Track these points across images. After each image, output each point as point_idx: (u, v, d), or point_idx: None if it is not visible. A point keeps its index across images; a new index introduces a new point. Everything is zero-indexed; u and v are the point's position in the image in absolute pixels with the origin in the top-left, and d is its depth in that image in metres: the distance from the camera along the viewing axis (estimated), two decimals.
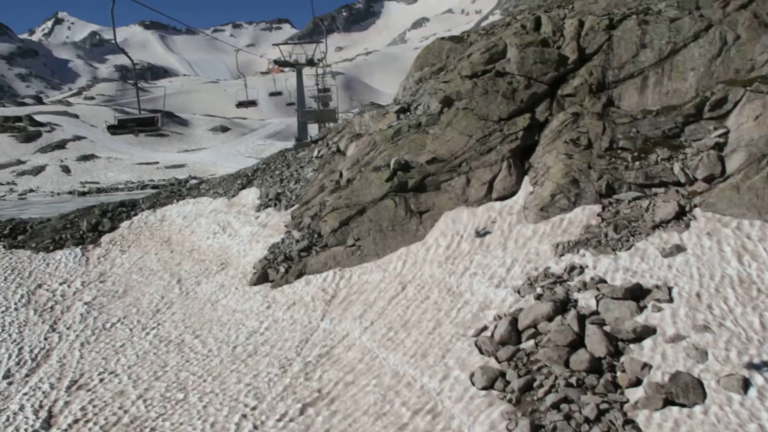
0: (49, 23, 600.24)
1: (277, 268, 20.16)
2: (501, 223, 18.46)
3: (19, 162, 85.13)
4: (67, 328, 19.55)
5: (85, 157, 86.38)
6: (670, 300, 13.08)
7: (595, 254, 15.69)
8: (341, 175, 23.44)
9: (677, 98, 19.27)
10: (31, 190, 68.84)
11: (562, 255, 16.27)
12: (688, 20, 19.78)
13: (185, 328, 18.47)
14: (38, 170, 79.69)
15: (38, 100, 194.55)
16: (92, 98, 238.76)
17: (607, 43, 20.77)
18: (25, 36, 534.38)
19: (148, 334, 18.53)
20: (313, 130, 52.27)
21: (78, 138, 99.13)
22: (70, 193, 65.15)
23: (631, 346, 12.18)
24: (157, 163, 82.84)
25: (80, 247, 26.18)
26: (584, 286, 14.54)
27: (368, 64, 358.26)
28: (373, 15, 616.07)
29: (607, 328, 12.71)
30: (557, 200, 18.03)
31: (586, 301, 13.93)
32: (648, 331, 12.26)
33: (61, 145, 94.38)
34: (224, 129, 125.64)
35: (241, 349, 16.52)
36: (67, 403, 14.92)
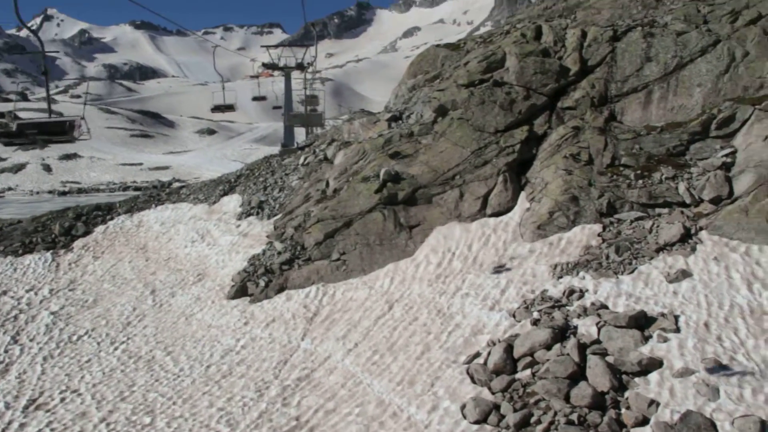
0: (38, 19, 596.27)
1: (256, 282, 19.04)
2: (495, 241, 17.46)
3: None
4: (30, 340, 18.33)
5: (68, 156, 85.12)
6: (677, 330, 12.13)
7: (595, 277, 14.74)
8: (328, 184, 22.37)
9: (683, 115, 18.40)
10: (10, 189, 67.58)
11: (560, 277, 15.31)
12: (696, 34, 18.93)
13: (156, 344, 17.31)
14: (18, 168, 78.43)
15: (23, 97, 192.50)
16: (78, 96, 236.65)
17: (610, 55, 19.90)
18: (12, 31, 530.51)
19: (116, 348, 17.35)
20: (300, 135, 51.00)
21: None
22: (50, 192, 64.05)
23: (636, 380, 11.19)
24: (141, 164, 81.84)
25: (51, 251, 24.93)
26: (584, 312, 13.56)
27: (358, 71, 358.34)
28: (364, 23, 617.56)
29: (609, 359, 11.73)
30: (555, 218, 17.08)
31: (586, 328, 12.94)
32: (654, 364, 11.28)
33: None
34: (211, 132, 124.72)
35: (215, 368, 15.38)
36: (22, 426, 13.71)
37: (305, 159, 26.74)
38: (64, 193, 62.89)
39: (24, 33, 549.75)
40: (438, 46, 26.21)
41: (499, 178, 18.86)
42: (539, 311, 14.17)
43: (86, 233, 26.28)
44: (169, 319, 18.66)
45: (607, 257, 15.31)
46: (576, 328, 13.09)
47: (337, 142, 25.31)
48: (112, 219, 27.58)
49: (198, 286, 20.45)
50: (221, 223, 24.48)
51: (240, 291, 18.97)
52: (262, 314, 17.63)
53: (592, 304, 13.78)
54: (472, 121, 20.09)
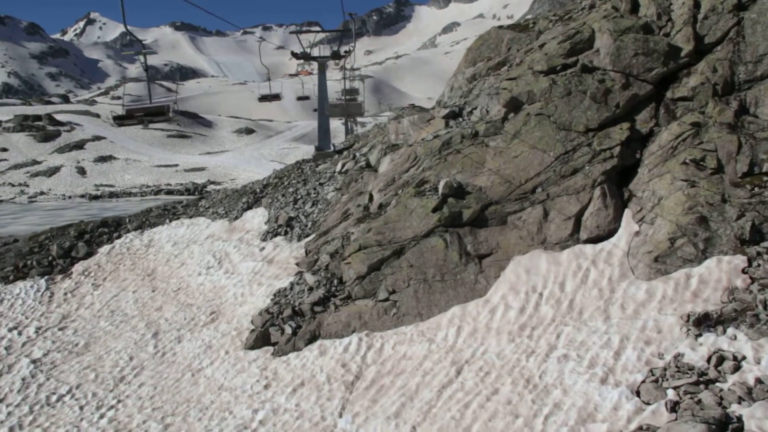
0: (81, 23, 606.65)
1: (281, 327, 14.85)
2: (597, 278, 13.02)
3: (35, 162, 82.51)
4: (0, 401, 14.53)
5: (103, 158, 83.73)
6: None
7: (753, 337, 10.30)
8: (371, 198, 18.12)
9: None
10: (42, 193, 65.63)
11: (698, 335, 10.86)
12: None
13: (153, 411, 13.32)
14: (52, 171, 76.75)
15: (65, 99, 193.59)
16: (119, 98, 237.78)
17: (735, 29, 15.29)
18: (57, 36, 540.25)
19: (102, 416, 13.44)
20: (338, 136, 46.36)
21: (98, 138, 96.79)
22: (81, 196, 61.53)
23: None
24: (176, 165, 79.49)
25: (46, 277, 21.16)
26: (749, 395, 9.15)
27: (398, 67, 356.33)
28: (403, 19, 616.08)
29: None
30: (679, 247, 12.61)
31: (758, 422, 8.55)
32: None
33: (79, 145, 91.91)
34: (249, 131, 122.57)
35: None
36: None
37: (343, 165, 22.42)
38: (96, 197, 60.25)
39: (68, 37, 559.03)
40: (501, 27, 21.78)
41: (594, 191, 14.40)
42: (676, 389, 9.79)
43: (89, 254, 22.46)
44: (172, 375, 14.64)
45: (765, 306, 10.84)
46: (741, 421, 8.71)
47: (382, 145, 21.02)
48: (119, 237, 23.70)
49: (210, 328, 16.35)
50: (242, 245, 20.34)
51: (261, 339, 14.78)
52: (288, 374, 13.45)
53: (759, 381, 9.37)
54: (555, 117, 15.66)
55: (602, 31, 16.47)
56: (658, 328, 11.29)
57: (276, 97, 43.85)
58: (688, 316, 11.34)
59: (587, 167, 14.79)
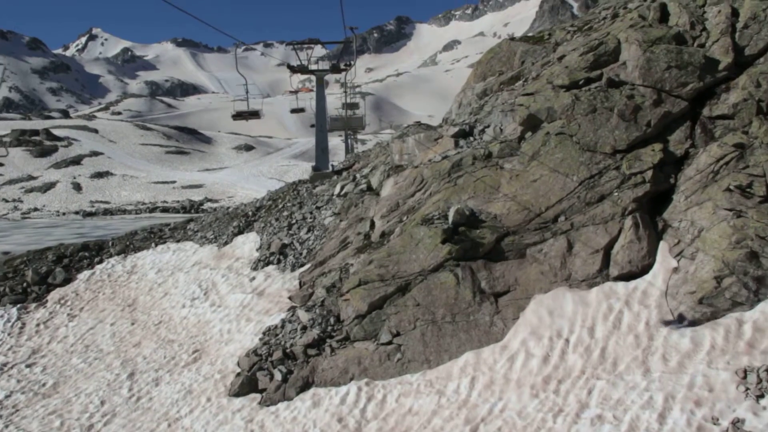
0: (83, 39, 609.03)
1: (270, 372, 13.11)
2: (632, 323, 11.33)
3: (30, 177, 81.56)
4: None
5: (99, 174, 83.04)
6: None
7: None
8: (372, 225, 16.48)
9: None
10: (36, 209, 64.37)
11: (760, 396, 9.18)
12: None
13: None
14: (48, 187, 75.79)
15: (65, 114, 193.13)
16: (119, 113, 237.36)
17: None
18: (59, 51, 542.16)
19: None
20: (338, 155, 44.68)
21: (95, 154, 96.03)
22: (76, 213, 60.28)
23: None
24: (174, 182, 78.42)
25: (19, 306, 19.48)
26: None
27: (398, 85, 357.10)
28: (404, 37, 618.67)
29: None
30: (727, 287, 10.95)
31: None
32: None
33: (76, 160, 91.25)
34: (248, 148, 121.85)
35: None
36: None
37: (342, 188, 20.72)
38: (90, 214, 58.88)
39: (69, 52, 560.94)
40: (513, 39, 20.26)
41: (625, 220, 12.76)
42: None
43: (66, 281, 20.80)
44: (146, 425, 12.89)
45: None
46: None
47: (385, 166, 19.39)
48: (101, 262, 22.01)
49: (192, 370, 14.59)
50: (231, 274, 18.65)
51: (247, 385, 13.04)
52: (277, 428, 11.69)
53: None
54: (579, 136, 14.04)
55: (629, 42, 14.90)
56: (709, 385, 9.60)
57: (255, 114, 37.71)
58: (744, 371, 9.67)
59: (616, 193, 13.15)
